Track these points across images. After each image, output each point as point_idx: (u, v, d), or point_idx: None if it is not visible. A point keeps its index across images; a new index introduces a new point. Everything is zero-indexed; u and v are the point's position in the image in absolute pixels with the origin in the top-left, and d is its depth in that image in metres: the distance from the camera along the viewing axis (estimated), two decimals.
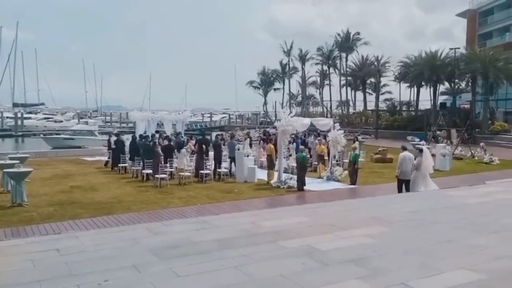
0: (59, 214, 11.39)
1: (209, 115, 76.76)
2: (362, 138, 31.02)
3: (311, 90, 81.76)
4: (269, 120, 62.83)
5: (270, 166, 17.75)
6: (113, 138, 22.07)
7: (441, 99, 56.30)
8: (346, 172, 18.06)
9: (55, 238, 8.99)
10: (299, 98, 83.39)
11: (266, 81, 79.58)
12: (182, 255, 7.85)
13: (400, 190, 14.17)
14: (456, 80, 48.75)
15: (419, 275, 6.92)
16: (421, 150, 14.43)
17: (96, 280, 6.58)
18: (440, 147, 23.21)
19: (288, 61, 75.46)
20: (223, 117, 75.76)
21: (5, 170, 14.13)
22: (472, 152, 26.96)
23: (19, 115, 60.69)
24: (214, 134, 38.30)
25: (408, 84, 56.53)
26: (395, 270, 7.16)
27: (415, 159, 14.05)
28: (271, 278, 6.81)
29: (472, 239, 9.01)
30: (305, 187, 15.78)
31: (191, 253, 7.97)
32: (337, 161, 19.75)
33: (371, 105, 63.14)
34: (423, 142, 27.62)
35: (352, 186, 16.45)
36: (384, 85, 66.64)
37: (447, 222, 10.70)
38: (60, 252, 8.01)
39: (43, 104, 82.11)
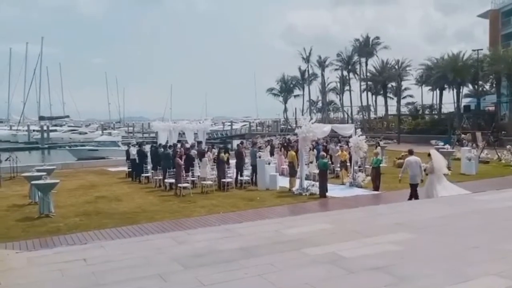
0: (85, 224, 11.60)
1: (229, 123, 77.14)
2: (384, 143, 30.67)
3: (331, 96, 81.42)
4: (289, 127, 62.73)
5: (292, 173, 17.70)
6: (132, 149, 22.40)
7: (464, 101, 55.27)
8: (369, 178, 17.86)
9: (81, 248, 9.14)
10: (319, 104, 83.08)
11: (286, 88, 79.54)
12: (207, 263, 7.89)
13: (412, 195, 14.09)
14: (480, 82, 47.79)
15: (447, 282, 6.79)
16: (429, 154, 14.32)
17: None
18: (466, 150, 22.75)
19: (307, 67, 75.45)
20: (243, 125, 76.04)
21: (33, 182, 14.47)
22: (498, 155, 26.34)
23: (45, 128, 62.19)
24: (235, 142, 38.43)
25: (430, 87, 55.71)
26: (422, 277, 7.03)
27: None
28: (297, 286, 6.77)
29: (500, 244, 8.79)
30: (327, 194, 15.68)
31: (216, 261, 8.00)
32: (359, 167, 19.56)
33: (392, 110, 62.47)
34: (447, 146, 27.15)
35: (375, 192, 16.26)
36: (406, 88, 65.81)
37: (474, 227, 10.47)
38: (87, 261, 8.15)
39: (68, 116, 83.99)
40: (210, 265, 7.81)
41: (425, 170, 14.10)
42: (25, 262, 8.19)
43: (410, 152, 15.00)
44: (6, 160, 22.56)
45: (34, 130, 66.23)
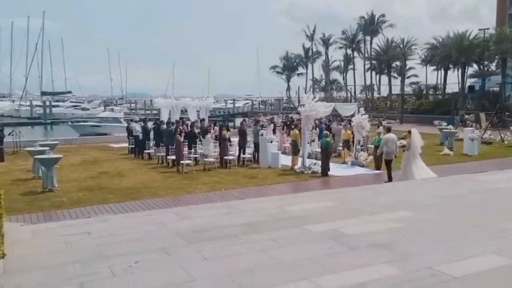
0: (88, 199, 11.69)
1: (232, 101, 76.86)
2: (387, 123, 30.59)
3: (334, 75, 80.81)
4: (292, 106, 62.49)
5: (295, 151, 17.71)
6: (133, 125, 22.39)
7: (469, 82, 54.85)
8: (371, 157, 17.88)
9: (86, 222, 9.25)
10: (323, 83, 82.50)
11: (289, 66, 78.97)
12: (209, 238, 7.98)
13: (389, 172, 14.61)
14: (486, 62, 47.31)
15: (447, 260, 6.86)
16: (409, 131, 14.95)
17: (126, 262, 6.76)
18: (468, 131, 22.67)
19: (311, 45, 74.69)
20: (246, 103, 75.73)
21: (36, 156, 14.53)
22: (501, 136, 26.27)
23: (47, 103, 62.13)
24: (237, 120, 38.37)
25: (435, 67, 55.20)
26: (423, 255, 7.11)
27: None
28: (298, 261, 6.86)
29: (501, 224, 8.85)
30: (329, 173, 15.72)
31: (218, 237, 8.09)
32: (361, 146, 19.55)
33: (396, 89, 62.09)
34: (450, 126, 27.08)
35: (377, 171, 16.29)
36: (410, 68, 65.24)
37: (476, 206, 10.52)
38: (91, 235, 8.25)
39: (70, 92, 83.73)
40: (212, 240, 7.90)
41: (403, 146, 14.58)
42: (30, 235, 8.30)
43: (388, 130, 15.62)
44: (9, 134, 22.62)
45: (36, 105, 66.18)
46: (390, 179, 14.51)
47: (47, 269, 6.57)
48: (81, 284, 5.99)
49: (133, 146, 21.30)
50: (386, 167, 14.78)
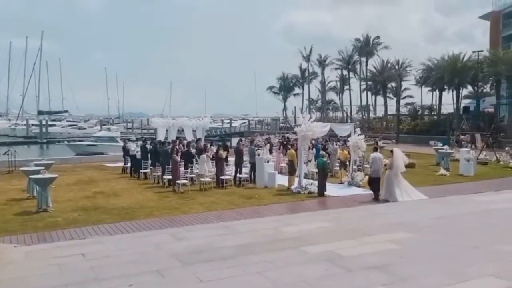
0: (83, 219, 11.55)
1: (228, 121, 77.04)
2: (382, 143, 30.64)
3: (331, 95, 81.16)
4: (288, 126, 62.66)
5: (291, 171, 17.66)
6: (131, 145, 22.31)
7: (464, 103, 55.14)
8: (367, 177, 17.86)
9: (80, 243, 9.14)
10: (319, 103, 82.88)
11: (286, 87, 79.42)
12: (205, 260, 7.89)
13: (372, 187, 14.93)
14: (480, 84, 47.76)
15: (446, 282, 6.80)
16: (391, 151, 15.27)
17: (120, 285, 6.67)
18: (464, 151, 22.73)
19: (308, 66, 75.21)
20: (242, 123, 75.85)
21: (31, 176, 14.40)
22: (497, 157, 26.33)
23: (44, 122, 62.03)
24: (234, 140, 38.43)
25: (430, 88, 55.65)
26: (421, 277, 7.05)
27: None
28: (294, 283, 6.78)
29: (498, 245, 8.81)
30: (326, 193, 15.66)
31: (214, 258, 8.01)
32: (358, 166, 19.54)
33: (392, 110, 62.31)
34: (446, 147, 27.15)
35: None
36: (405, 89, 65.66)
37: (473, 228, 10.49)
38: (85, 256, 8.14)
39: (67, 111, 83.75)
40: (208, 261, 7.82)
41: (385, 165, 14.91)
42: (23, 256, 8.19)
43: (375, 149, 15.98)
44: (4, 154, 22.48)
45: (32, 125, 66.04)
46: (376, 197, 14.68)
47: None
48: None
49: (129, 165, 21.23)
50: (372, 185, 15.00)
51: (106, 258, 8.10)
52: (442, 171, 21.00)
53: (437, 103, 54.54)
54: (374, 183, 14.91)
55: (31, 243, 9.21)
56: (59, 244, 9.06)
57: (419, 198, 14.37)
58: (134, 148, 21.65)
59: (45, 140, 55.74)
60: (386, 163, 14.86)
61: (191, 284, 6.77)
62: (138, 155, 20.78)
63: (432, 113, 55.68)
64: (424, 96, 63.74)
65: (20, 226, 10.81)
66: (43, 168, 15.17)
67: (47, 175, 13.64)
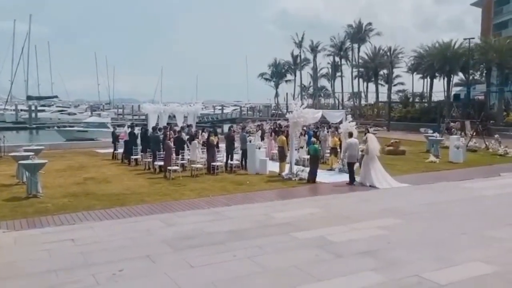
0: (73, 205, 11.49)
1: (220, 107, 76.76)
2: (374, 130, 30.75)
3: (322, 82, 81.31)
4: (280, 112, 62.63)
5: (282, 158, 17.67)
6: (118, 131, 22.16)
7: (455, 90, 55.47)
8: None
9: (70, 229, 9.10)
10: (311, 90, 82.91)
11: (278, 73, 79.30)
12: (196, 246, 7.90)
13: (351, 171, 15.40)
14: (471, 71, 48.01)
15: (434, 267, 6.88)
16: (366, 137, 15.82)
17: (111, 270, 6.66)
18: (454, 139, 22.88)
19: (300, 52, 75.06)
20: (234, 110, 75.65)
21: (20, 161, 14.26)
22: (486, 144, 26.57)
23: (33, 107, 61.28)
24: (225, 126, 38.30)
25: (421, 75, 55.85)
26: (409, 262, 7.13)
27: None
28: (284, 268, 6.83)
29: (487, 231, 8.93)
30: (316, 179, 15.72)
31: (204, 244, 8.02)
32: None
33: (383, 97, 62.54)
34: (436, 134, 27.33)
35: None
36: (397, 76, 65.93)
37: (462, 214, 10.61)
38: (75, 242, 8.12)
39: (56, 97, 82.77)
40: (199, 247, 7.83)
41: (362, 150, 15.40)
42: (12, 242, 8.14)
43: (350, 135, 16.34)
44: None
45: (21, 110, 65.25)
46: (352, 181, 15.09)
47: (29, 277, 6.43)
48: None
49: (119, 151, 21.15)
50: (348, 170, 15.50)
51: (96, 243, 8.07)
52: (432, 158, 21.17)
53: (428, 90, 54.79)
54: (348, 167, 15.52)
55: (21, 228, 9.15)
56: (48, 230, 9.01)
57: (392, 184, 14.59)
58: (137, 132, 21.50)
59: (34, 126, 55.15)
60: (362, 149, 15.35)
61: (181, 269, 6.78)
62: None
63: (423, 101, 55.92)
64: (415, 83, 64.08)
65: (10, 212, 10.73)
66: (32, 153, 15.01)
67: (37, 161, 13.50)
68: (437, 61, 46.39)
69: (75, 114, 64.72)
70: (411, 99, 57.90)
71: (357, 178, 15.20)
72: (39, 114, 61.32)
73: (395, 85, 65.75)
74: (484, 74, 47.14)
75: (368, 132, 23.24)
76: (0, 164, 19.23)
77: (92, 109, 75.71)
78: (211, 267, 6.89)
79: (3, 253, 7.44)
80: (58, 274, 6.51)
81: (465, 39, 44.58)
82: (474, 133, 28.50)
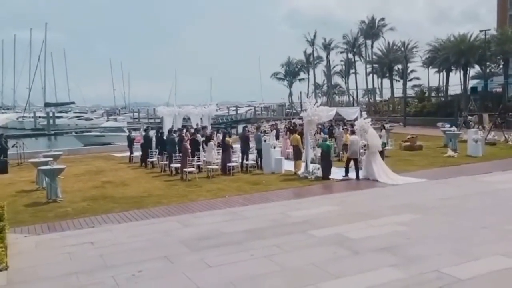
0: (92, 209, 11.66)
1: (234, 108, 76.90)
2: (389, 126, 30.45)
3: (336, 79, 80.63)
4: (294, 111, 62.46)
5: (297, 156, 17.63)
6: (134, 134, 22.43)
7: (471, 83, 54.55)
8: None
9: (89, 232, 9.24)
10: (325, 88, 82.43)
11: (291, 72, 79.08)
12: (213, 246, 7.95)
13: (347, 167, 15.97)
14: (487, 63, 47.18)
15: (454, 262, 6.80)
16: (366, 132, 16.14)
17: (130, 271, 6.74)
18: (472, 132, 22.53)
19: (313, 50, 74.56)
20: (248, 110, 75.65)
21: (39, 167, 14.52)
22: (505, 137, 26.07)
23: (51, 114, 62.33)
24: (240, 127, 38.36)
25: (436, 69, 55.05)
26: (429, 257, 7.05)
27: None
28: (302, 267, 6.81)
29: (507, 225, 8.77)
30: (331, 177, 15.64)
31: (222, 244, 8.06)
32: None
33: (398, 92, 61.67)
34: (454, 128, 26.93)
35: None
36: (412, 71, 64.95)
37: (481, 208, 10.45)
38: (94, 244, 8.24)
39: (73, 103, 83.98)
40: (216, 247, 7.87)
41: (364, 146, 15.67)
42: (33, 246, 8.30)
43: (352, 132, 16.93)
44: (13, 146, 22.66)
45: (40, 117, 66.37)
46: (346, 175, 15.66)
47: (50, 280, 6.55)
48: None
49: (135, 154, 21.43)
50: (346, 165, 16.06)
51: (115, 245, 8.18)
52: (450, 152, 20.87)
53: (444, 84, 54.04)
54: (349, 162, 16.09)
55: (41, 233, 9.33)
56: (68, 233, 9.17)
57: (394, 180, 14.68)
58: (152, 135, 21.74)
59: (52, 132, 56.04)
60: (365, 144, 15.74)
61: (199, 269, 6.83)
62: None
63: (439, 95, 55.19)
64: (431, 78, 63.14)
65: (30, 217, 10.94)
66: (51, 159, 15.27)
67: (56, 166, 13.74)
68: (452, 54, 45.72)
69: (92, 119, 65.59)
70: (427, 94, 57.14)
71: (360, 174, 15.47)
72: (57, 121, 62.30)
73: (410, 80, 64.91)
74: (501, 66, 46.31)
75: (384, 128, 23.09)
76: (20, 170, 19.62)
77: (108, 114, 76.59)
78: (228, 266, 6.92)
79: (25, 258, 7.59)
80: (79, 277, 6.62)
81: (481, 31, 43.87)
82: (493, 126, 28.01)
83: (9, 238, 8.01)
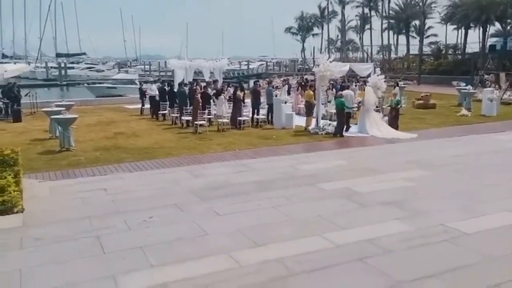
0: (104, 158, 11.84)
1: (246, 62, 75.93)
2: (403, 84, 29.95)
3: (351, 35, 78.73)
4: (307, 67, 61.55)
5: (309, 112, 17.53)
6: (153, 86, 22.39)
7: (490, 41, 52.92)
8: (386, 118, 17.64)
9: (102, 179, 9.43)
10: (338, 44, 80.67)
11: (304, 27, 77.31)
12: (222, 195, 8.09)
13: (346, 121, 16.21)
14: (508, 21, 45.56)
15: (460, 217, 6.86)
16: (364, 89, 17.15)
17: (141, 217, 6.93)
18: (487, 91, 22.09)
19: (327, 4, 72.57)
20: (260, 65, 74.64)
21: (52, 116, 14.65)
22: None
23: (62, 65, 62.24)
24: (251, 81, 38.10)
25: (455, 26, 53.34)
26: (435, 212, 7.12)
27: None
28: (310, 218, 6.93)
29: None
30: (345, 134, 15.60)
31: (230, 194, 8.20)
32: (377, 107, 19.25)
33: (414, 50, 60.12)
34: (469, 87, 26.43)
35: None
36: (429, 27, 62.95)
37: (492, 165, 10.41)
38: (107, 191, 8.43)
39: (84, 54, 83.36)
40: (225, 197, 8.01)
41: (359, 102, 16.22)
42: (47, 191, 8.52)
43: (347, 87, 18.21)
44: (25, 95, 22.78)
45: (52, 67, 66.34)
46: (347, 128, 15.95)
47: (65, 223, 6.77)
48: (97, 237, 6.17)
49: (147, 106, 21.47)
50: (346, 119, 16.13)
51: (127, 192, 8.37)
52: (464, 111, 20.59)
53: (462, 41, 52.52)
54: (346, 116, 16.30)
55: (55, 179, 9.54)
56: (81, 180, 9.37)
57: (391, 134, 15.27)
58: (154, 89, 21.72)
59: (64, 83, 56.15)
60: (360, 101, 16.33)
61: (208, 217, 6.99)
62: (157, 97, 20.89)
63: (457, 53, 53.78)
64: (449, 35, 61.28)
65: (44, 164, 11.15)
66: (64, 109, 15.38)
67: (68, 116, 13.86)
68: (472, 10, 44.11)
69: (103, 71, 65.35)
70: (443, 51, 55.70)
71: (355, 128, 16.06)
72: (69, 71, 62.23)
73: (427, 36, 63.04)
74: None
75: (397, 85, 22.72)
76: (34, 119, 19.84)
77: (119, 66, 76.13)
78: (237, 215, 7.06)
79: (40, 201, 7.81)
80: (92, 220, 6.82)
81: None
82: (509, 86, 27.42)
83: (24, 183, 8.22)
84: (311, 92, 17.75)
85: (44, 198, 8.03)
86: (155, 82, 26.05)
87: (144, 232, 6.37)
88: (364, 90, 19.63)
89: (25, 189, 8.03)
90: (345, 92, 17.06)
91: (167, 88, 21.07)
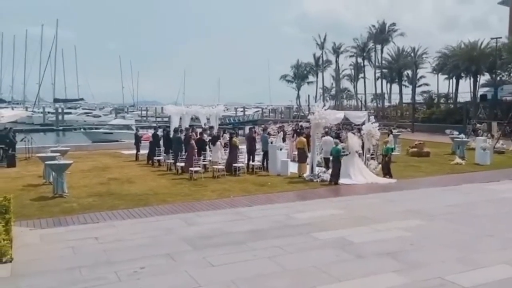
0: (97, 205, 11.71)
1: (242, 109, 76.94)
2: (397, 132, 30.31)
3: (345, 83, 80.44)
4: (302, 114, 62.36)
5: (302, 159, 17.60)
6: (140, 133, 22.58)
7: (481, 91, 54.09)
8: (380, 166, 17.72)
9: (94, 227, 9.28)
10: (333, 92, 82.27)
11: (300, 75, 79.03)
12: (216, 245, 7.95)
13: (327, 165, 16.87)
14: (498, 71, 46.86)
15: (458, 270, 6.75)
16: (347, 136, 17.59)
17: (132, 267, 6.76)
18: (480, 140, 22.38)
19: (322, 54, 74.45)
20: (256, 111, 75.64)
21: (47, 162, 14.61)
22: None
23: (59, 110, 62.81)
24: (247, 128, 38.39)
25: (446, 76, 54.72)
26: (433, 264, 7.01)
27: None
28: (304, 269, 6.80)
29: None
30: (341, 182, 15.57)
31: (225, 243, 8.06)
32: (371, 154, 19.37)
33: (407, 98, 61.38)
34: (462, 135, 26.76)
35: (388, 180, 16.11)
36: (421, 77, 64.59)
37: (487, 215, 10.37)
38: (98, 240, 8.28)
39: (82, 99, 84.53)
40: (219, 246, 7.88)
41: (343, 149, 16.24)
42: (38, 239, 8.36)
43: (326, 133, 18.49)
44: (21, 140, 22.82)
45: (49, 112, 66.87)
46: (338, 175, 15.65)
47: (54, 274, 6.59)
48: None
49: (142, 152, 21.54)
50: (329, 165, 16.44)
51: (119, 241, 8.22)
52: (458, 160, 20.72)
53: (454, 91, 53.67)
54: (325, 162, 17.13)
55: (46, 226, 9.38)
56: (73, 228, 9.22)
57: (373, 179, 15.65)
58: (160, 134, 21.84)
59: (61, 128, 56.41)
60: (344, 147, 16.51)
61: (201, 268, 6.84)
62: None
63: (449, 101, 54.81)
64: (440, 84, 62.67)
65: (36, 211, 11.01)
66: (58, 154, 15.37)
67: (63, 161, 13.82)
68: (462, 61, 45.48)
69: (100, 116, 65.91)
70: (436, 100, 56.84)
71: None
72: (66, 117, 62.74)
73: (419, 86, 64.49)
74: None
75: (391, 133, 22.98)
76: (28, 164, 19.75)
77: (116, 112, 76.92)
78: (231, 266, 6.92)
79: (30, 250, 7.64)
80: (82, 271, 6.65)
81: (492, 38, 43.52)
82: (501, 135, 27.80)
83: (15, 231, 8.07)
84: (304, 139, 17.90)
85: (34, 247, 7.86)
86: (149, 128, 26.26)
87: (135, 284, 6.20)
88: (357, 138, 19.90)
89: (16, 237, 7.87)
90: (324, 138, 17.75)
91: (160, 134, 21.23)
